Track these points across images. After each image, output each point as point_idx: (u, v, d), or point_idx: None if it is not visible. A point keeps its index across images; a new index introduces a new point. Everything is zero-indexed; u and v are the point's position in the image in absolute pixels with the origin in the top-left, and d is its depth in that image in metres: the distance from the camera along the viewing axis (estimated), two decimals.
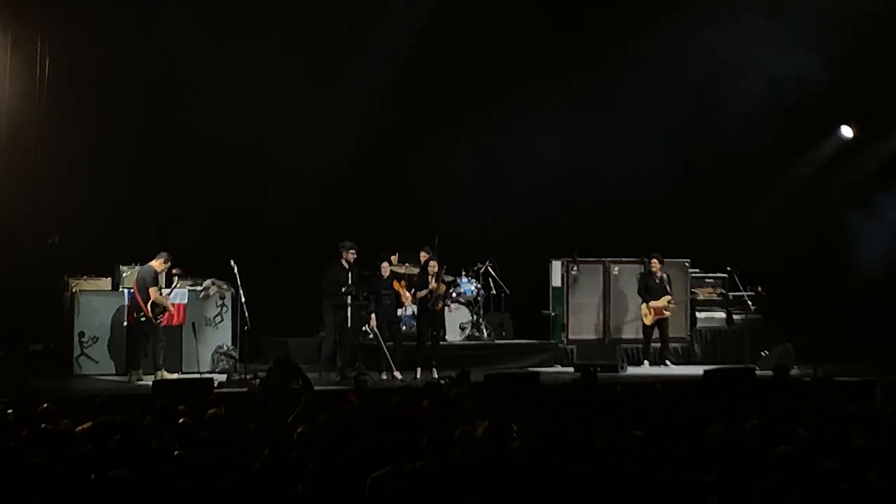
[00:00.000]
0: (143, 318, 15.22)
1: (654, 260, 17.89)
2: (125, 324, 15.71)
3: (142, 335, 15.31)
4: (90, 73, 16.48)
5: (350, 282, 15.63)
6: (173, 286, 15.71)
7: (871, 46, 18.13)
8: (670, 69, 18.89)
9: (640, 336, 18.19)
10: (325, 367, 15.54)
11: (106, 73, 16.64)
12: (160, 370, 15.10)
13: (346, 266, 15.67)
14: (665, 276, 17.89)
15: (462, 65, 18.76)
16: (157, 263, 15.42)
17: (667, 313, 17.78)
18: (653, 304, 17.80)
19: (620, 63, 18.84)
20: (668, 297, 17.75)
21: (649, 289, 17.88)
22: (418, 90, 18.84)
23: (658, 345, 18.00)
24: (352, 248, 15.70)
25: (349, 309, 15.71)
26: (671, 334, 18.11)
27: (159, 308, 15.36)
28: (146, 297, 15.17)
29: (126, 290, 16.01)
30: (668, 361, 17.86)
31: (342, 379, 15.20)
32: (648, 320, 17.89)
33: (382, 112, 18.55)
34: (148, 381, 14.32)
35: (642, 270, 18.22)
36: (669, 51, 18.67)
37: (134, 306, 15.38)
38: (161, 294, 15.37)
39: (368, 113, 18.41)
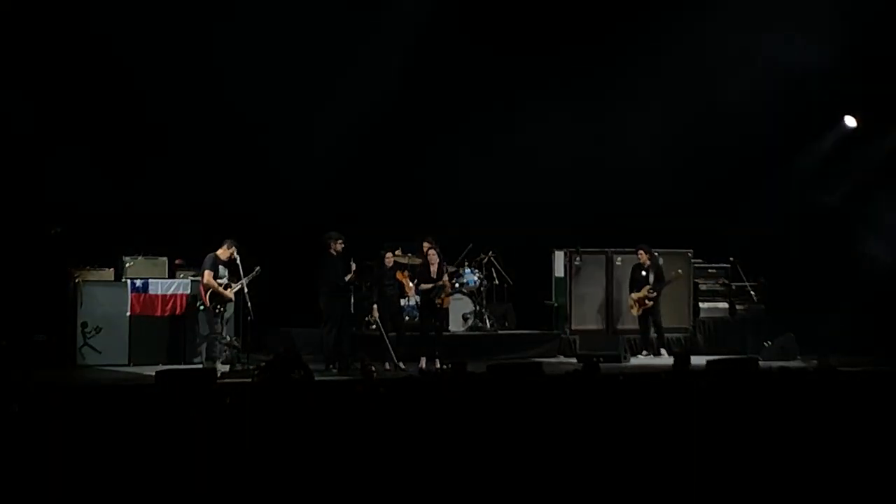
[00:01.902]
0: (200, 307, 15.21)
1: (641, 251, 17.92)
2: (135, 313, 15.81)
3: (200, 323, 15.29)
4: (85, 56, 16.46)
5: (346, 272, 15.61)
6: (251, 275, 15.34)
7: (876, 35, 18.05)
8: (674, 59, 18.82)
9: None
10: (328, 359, 15.53)
11: (108, 64, 16.61)
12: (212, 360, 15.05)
13: (335, 255, 15.61)
14: (653, 265, 17.88)
15: (465, 56, 18.69)
16: (222, 251, 15.40)
17: (648, 303, 17.80)
18: (634, 295, 17.88)
19: (624, 53, 18.79)
20: (646, 287, 17.77)
21: (635, 280, 17.96)
22: (423, 81, 18.79)
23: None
24: (339, 239, 15.58)
25: (351, 299, 15.68)
26: (674, 324, 18.17)
27: (220, 297, 15.32)
28: (207, 284, 15.18)
29: (129, 281, 16.10)
30: (662, 351, 17.84)
31: (345, 370, 15.19)
32: (635, 311, 17.96)
33: (387, 104, 18.48)
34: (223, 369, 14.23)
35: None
36: (673, 40, 18.61)
37: (196, 294, 15.47)
38: (217, 283, 15.24)
39: (372, 105, 18.34)
